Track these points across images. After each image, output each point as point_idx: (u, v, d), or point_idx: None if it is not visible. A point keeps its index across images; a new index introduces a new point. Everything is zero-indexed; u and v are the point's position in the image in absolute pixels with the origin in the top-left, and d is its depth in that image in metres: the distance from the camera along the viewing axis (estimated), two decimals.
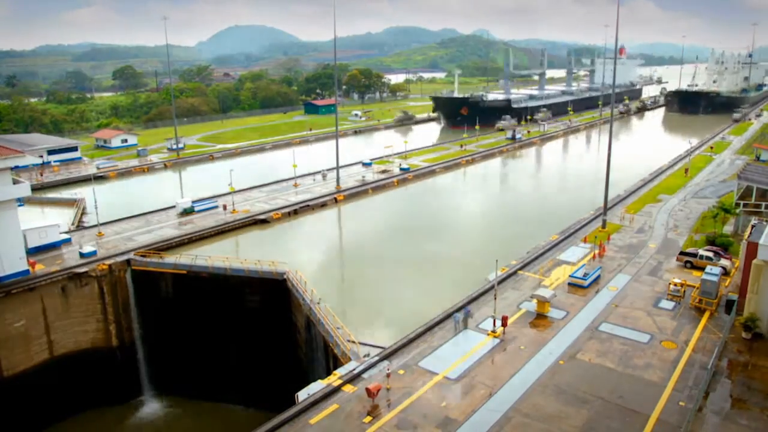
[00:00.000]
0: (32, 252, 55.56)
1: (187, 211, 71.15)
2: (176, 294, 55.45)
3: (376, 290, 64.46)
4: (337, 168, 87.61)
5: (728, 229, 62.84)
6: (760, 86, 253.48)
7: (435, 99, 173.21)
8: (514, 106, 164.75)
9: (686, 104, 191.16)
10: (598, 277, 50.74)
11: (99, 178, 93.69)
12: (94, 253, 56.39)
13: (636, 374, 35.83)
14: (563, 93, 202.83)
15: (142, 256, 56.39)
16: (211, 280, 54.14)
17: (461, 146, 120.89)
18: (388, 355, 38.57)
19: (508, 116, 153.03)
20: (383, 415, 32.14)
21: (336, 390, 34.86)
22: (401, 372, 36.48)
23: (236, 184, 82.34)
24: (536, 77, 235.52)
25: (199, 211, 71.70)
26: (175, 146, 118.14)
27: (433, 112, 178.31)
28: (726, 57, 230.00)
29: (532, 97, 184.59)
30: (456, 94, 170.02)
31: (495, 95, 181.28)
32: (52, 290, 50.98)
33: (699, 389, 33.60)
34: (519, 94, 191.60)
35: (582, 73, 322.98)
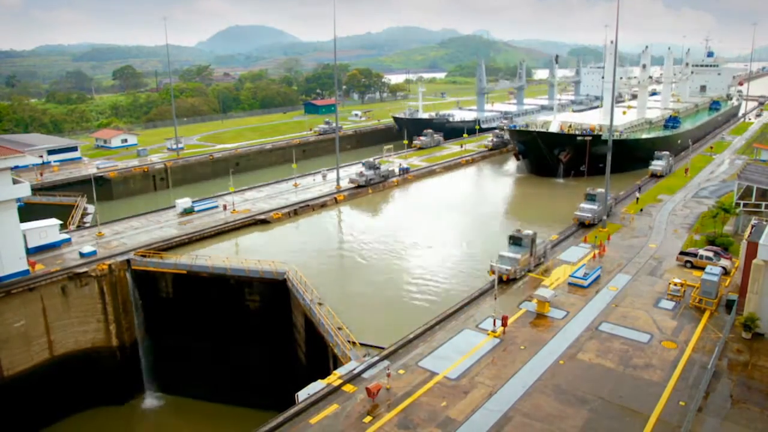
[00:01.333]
0: (32, 252, 55.58)
1: (187, 211, 71.15)
2: (176, 294, 55.51)
3: (376, 290, 64.41)
4: (337, 168, 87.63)
5: (728, 229, 62.86)
6: (715, 104, 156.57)
7: (397, 120, 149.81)
8: (484, 126, 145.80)
9: (537, 161, 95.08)
10: (598, 277, 50.74)
11: (99, 179, 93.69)
12: (94, 253, 56.41)
13: (636, 374, 35.84)
14: (542, 108, 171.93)
15: (142, 256, 56.41)
16: (211, 280, 54.21)
17: (461, 146, 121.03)
18: (388, 354, 38.58)
19: (430, 130, 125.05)
20: (383, 415, 32.14)
21: (336, 390, 34.88)
22: (401, 372, 36.49)
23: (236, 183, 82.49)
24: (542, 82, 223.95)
25: (199, 211, 71.70)
26: (175, 146, 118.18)
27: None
28: (642, 56, 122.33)
29: (506, 115, 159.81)
30: (420, 115, 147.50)
31: (463, 114, 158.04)
32: (52, 290, 51.01)
33: (699, 389, 33.61)
34: (492, 111, 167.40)
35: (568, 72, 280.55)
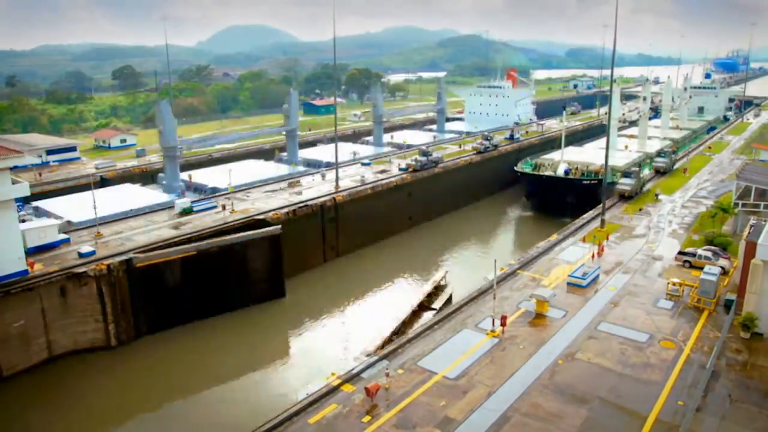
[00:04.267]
0: (31, 252, 55.50)
1: (186, 211, 71.05)
2: (185, 278, 57.95)
3: (375, 289, 64.59)
4: (336, 167, 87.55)
5: (727, 228, 62.96)
6: (712, 130, 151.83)
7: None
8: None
9: (546, 201, 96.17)
10: (597, 276, 50.80)
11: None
12: (92, 253, 56.32)
13: (634, 374, 35.89)
14: (468, 135, 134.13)
15: (143, 252, 56.78)
16: (218, 253, 59.35)
17: (459, 146, 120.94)
18: (387, 354, 38.60)
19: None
20: (382, 415, 32.16)
21: (335, 389, 34.89)
22: (400, 371, 36.51)
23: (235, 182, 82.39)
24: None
25: (198, 211, 71.61)
26: None
27: None
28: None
29: (407, 149, 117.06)
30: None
31: (356, 149, 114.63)
32: (51, 290, 50.97)
33: (698, 389, 33.66)
34: (391, 144, 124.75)
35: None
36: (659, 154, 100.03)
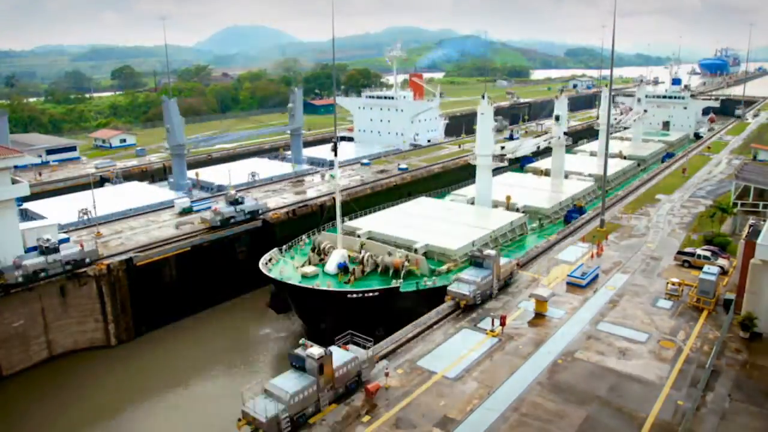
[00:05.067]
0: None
1: (186, 211, 71.11)
2: (180, 273, 59.96)
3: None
4: (336, 167, 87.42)
5: (726, 228, 63.04)
6: (669, 156, 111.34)
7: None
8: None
9: (302, 321, 54.75)
10: (596, 276, 50.82)
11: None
12: None
13: (634, 373, 35.91)
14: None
15: (142, 251, 56.90)
16: (209, 247, 62.89)
17: (459, 146, 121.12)
18: (387, 354, 38.62)
19: None
20: (382, 415, 32.18)
21: None
22: (400, 371, 36.53)
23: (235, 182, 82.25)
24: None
25: (198, 211, 71.66)
26: None
27: None
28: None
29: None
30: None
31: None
32: (51, 290, 51.02)
33: (697, 388, 33.69)
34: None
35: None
36: (473, 261, 47.71)
